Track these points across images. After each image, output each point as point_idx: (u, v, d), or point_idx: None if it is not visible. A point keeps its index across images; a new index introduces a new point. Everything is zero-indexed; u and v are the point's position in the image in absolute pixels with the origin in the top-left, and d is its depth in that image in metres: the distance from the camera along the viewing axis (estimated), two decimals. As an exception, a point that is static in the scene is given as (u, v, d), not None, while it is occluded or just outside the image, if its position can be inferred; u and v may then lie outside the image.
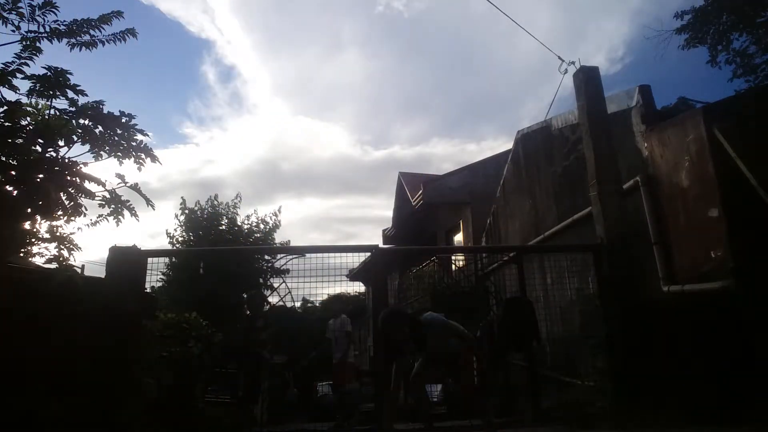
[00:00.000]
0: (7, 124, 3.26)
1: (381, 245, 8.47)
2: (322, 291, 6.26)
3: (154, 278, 5.78)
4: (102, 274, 5.12)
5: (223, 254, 11.35)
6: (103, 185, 3.59)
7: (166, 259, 10.44)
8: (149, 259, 5.50)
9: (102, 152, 3.56)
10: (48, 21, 3.37)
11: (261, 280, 13.52)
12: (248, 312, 7.32)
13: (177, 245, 13.69)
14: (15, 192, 3.28)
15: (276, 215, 15.01)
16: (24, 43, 3.29)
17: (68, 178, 3.45)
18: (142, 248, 5.41)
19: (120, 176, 3.64)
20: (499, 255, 8.69)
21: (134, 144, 3.59)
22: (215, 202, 14.56)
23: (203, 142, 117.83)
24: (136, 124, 3.57)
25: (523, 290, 6.37)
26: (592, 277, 5.97)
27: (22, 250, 3.59)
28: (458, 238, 14.24)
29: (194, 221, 14.02)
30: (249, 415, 6.72)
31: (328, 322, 8.36)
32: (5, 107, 3.25)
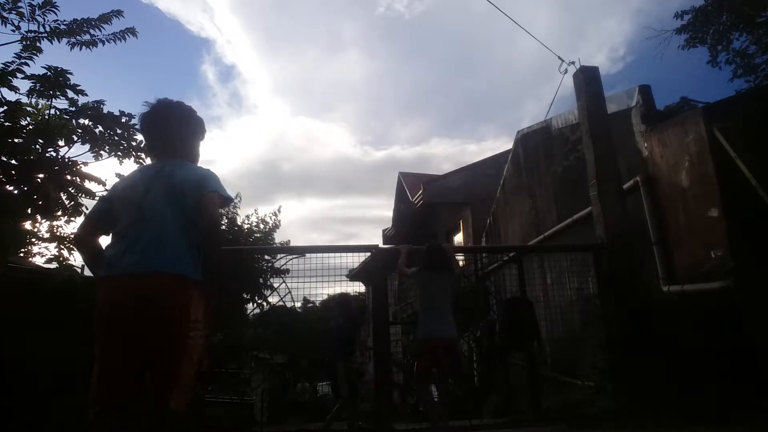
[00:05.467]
0: (7, 124, 3.26)
1: (381, 245, 8.46)
2: (322, 291, 6.24)
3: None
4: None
5: (223, 254, 11.34)
6: (104, 185, 3.60)
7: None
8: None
9: (102, 152, 3.57)
10: (48, 21, 3.37)
11: (261, 280, 13.53)
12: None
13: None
14: (15, 192, 3.28)
15: (276, 215, 15.01)
16: (24, 42, 3.29)
17: (68, 177, 3.45)
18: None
19: (120, 176, 3.64)
20: (499, 255, 8.69)
21: (134, 144, 3.60)
22: (215, 202, 14.56)
23: (203, 142, 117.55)
24: (136, 124, 3.58)
25: (523, 290, 6.36)
26: (592, 277, 5.97)
27: (22, 250, 3.60)
28: (458, 238, 14.24)
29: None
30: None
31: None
32: (5, 107, 3.25)
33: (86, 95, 3.43)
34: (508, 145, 13.91)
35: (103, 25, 3.49)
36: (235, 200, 14.98)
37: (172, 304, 1.87)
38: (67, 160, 3.47)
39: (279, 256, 9.68)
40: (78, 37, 3.47)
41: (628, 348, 5.00)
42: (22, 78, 3.25)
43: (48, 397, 4.00)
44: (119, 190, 2.19)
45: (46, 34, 3.36)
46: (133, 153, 3.62)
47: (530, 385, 6.08)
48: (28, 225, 3.43)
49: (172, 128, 2.24)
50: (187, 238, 2.01)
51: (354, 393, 6.48)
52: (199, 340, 1.93)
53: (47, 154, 3.40)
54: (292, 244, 15.08)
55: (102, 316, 1.91)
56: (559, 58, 6.61)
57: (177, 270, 1.92)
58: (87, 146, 3.53)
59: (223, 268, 2.38)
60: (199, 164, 2.33)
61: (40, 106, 3.44)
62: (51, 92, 3.34)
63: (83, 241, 2.19)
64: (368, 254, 5.90)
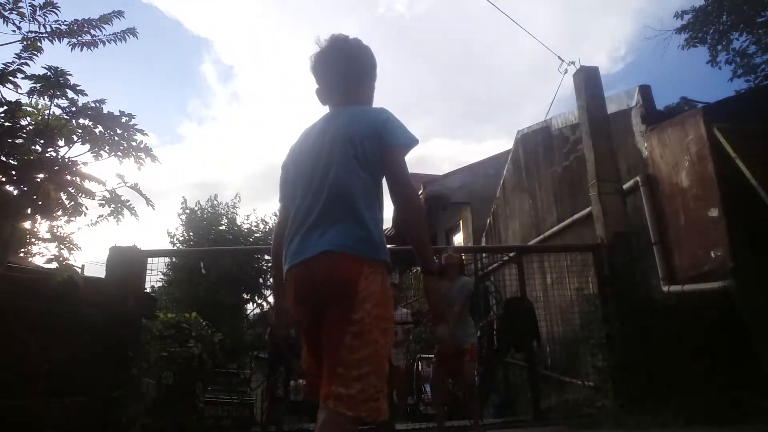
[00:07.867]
0: (7, 124, 3.26)
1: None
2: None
3: (154, 278, 5.79)
4: (102, 274, 5.12)
5: (223, 254, 11.36)
6: (104, 185, 3.59)
7: (166, 259, 10.47)
8: (149, 259, 5.50)
9: (102, 152, 3.56)
10: (49, 21, 3.36)
11: (261, 280, 13.53)
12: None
13: (178, 245, 13.72)
14: (15, 192, 3.28)
15: (276, 215, 15.01)
16: (25, 43, 3.29)
17: (68, 178, 3.45)
18: (142, 248, 5.41)
19: (120, 176, 3.64)
20: (499, 255, 8.69)
21: (134, 144, 3.59)
22: (215, 202, 14.60)
23: (203, 142, 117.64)
24: (136, 124, 3.57)
25: (523, 290, 6.37)
26: (592, 277, 5.97)
27: (22, 250, 3.59)
28: (458, 238, 14.24)
29: (194, 221, 14.05)
30: None
31: None
32: (5, 107, 3.24)
33: (86, 95, 3.42)
34: (508, 145, 13.91)
35: (103, 25, 3.48)
36: (235, 200, 15.00)
37: (342, 286, 1.56)
38: (67, 160, 3.46)
39: (279, 256, 9.59)
40: (78, 38, 3.46)
41: (627, 348, 5.01)
42: (22, 78, 3.24)
43: (48, 397, 4.01)
44: (294, 150, 1.88)
45: (46, 35, 3.36)
46: (133, 153, 3.61)
47: (530, 385, 6.09)
48: (28, 225, 3.43)
49: (349, 67, 1.87)
50: (368, 204, 1.66)
51: (286, 396, 6.53)
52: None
53: (47, 154, 3.40)
54: (292, 244, 15.09)
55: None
56: (559, 58, 6.63)
57: (353, 250, 1.59)
58: (87, 146, 3.52)
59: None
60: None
61: (40, 106, 3.44)
62: (51, 92, 3.33)
63: (277, 236, 1.85)
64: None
